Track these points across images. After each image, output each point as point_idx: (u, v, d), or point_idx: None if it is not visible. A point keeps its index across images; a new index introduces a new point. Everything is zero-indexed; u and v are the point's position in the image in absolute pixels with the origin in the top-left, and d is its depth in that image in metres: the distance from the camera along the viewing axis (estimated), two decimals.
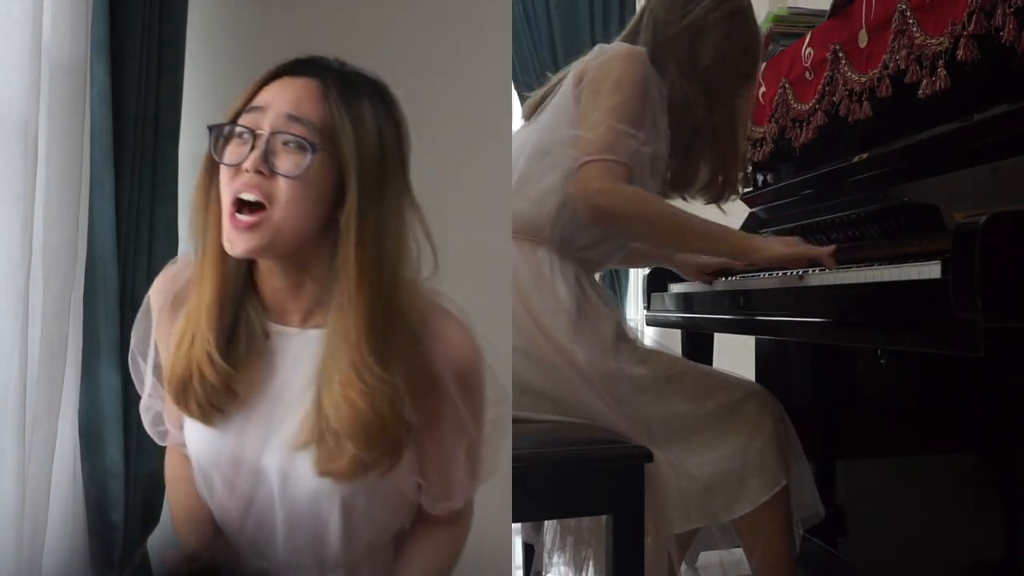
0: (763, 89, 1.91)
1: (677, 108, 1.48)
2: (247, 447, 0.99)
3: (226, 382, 0.97)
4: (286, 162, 0.93)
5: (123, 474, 1.59)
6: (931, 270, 1.02)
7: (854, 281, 1.18)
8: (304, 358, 0.98)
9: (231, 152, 0.95)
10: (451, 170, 1.44)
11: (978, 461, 1.42)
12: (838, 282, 1.23)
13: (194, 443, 1.03)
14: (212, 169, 0.97)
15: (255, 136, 0.94)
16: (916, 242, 1.24)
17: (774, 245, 1.40)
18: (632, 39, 1.53)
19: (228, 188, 0.94)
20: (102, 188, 1.61)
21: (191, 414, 0.99)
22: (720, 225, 1.45)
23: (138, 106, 1.68)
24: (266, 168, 0.92)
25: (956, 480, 1.45)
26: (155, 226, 1.73)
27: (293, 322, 1.00)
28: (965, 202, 1.22)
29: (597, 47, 1.50)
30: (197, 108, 1.85)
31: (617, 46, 1.49)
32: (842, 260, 1.37)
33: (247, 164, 0.93)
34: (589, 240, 1.48)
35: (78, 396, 1.59)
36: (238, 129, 0.95)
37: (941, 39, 1.27)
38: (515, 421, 1.20)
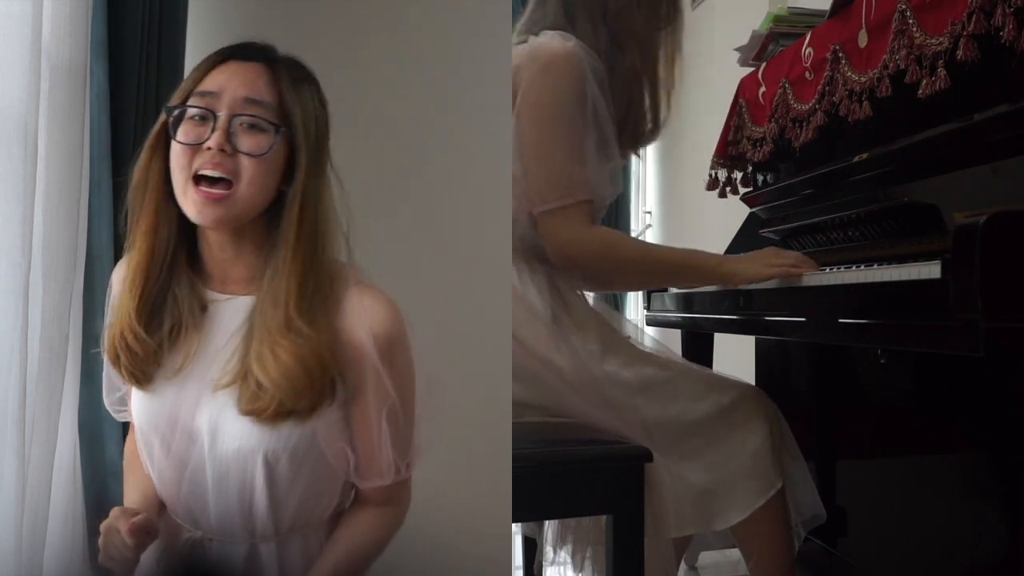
0: (763, 89, 1.91)
1: (613, 80, 1.43)
2: (182, 408, 1.05)
3: (147, 350, 1.03)
4: (248, 141, 1.01)
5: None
6: (931, 270, 1.02)
7: (854, 281, 1.18)
8: (234, 323, 1.05)
9: (187, 132, 1.01)
10: (451, 171, 1.45)
11: (978, 461, 1.42)
12: (838, 282, 1.22)
13: (136, 408, 1.09)
14: (156, 147, 1.03)
15: (216, 117, 1.00)
16: (916, 242, 1.24)
17: (754, 267, 1.38)
18: (542, 7, 1.46)
19: (186, 165, 1.00)
20: (102, 188, 1.61)
21: (124, 380, 1.08)
22: (696, 254, 1.43)
23: (138, 106, 1.68)
24: (229, 147, 1.00)
25: (956, 480, 1.45)
26: None
27: (230, 290, 1.07)
28: (965, 202, 1.22)
29: (529, 45, 1.40)
30: None
31: (549, 49, 1.37)
32: (842, 260, 1.37)
33: (211, 143, 0.99)
34: None
35: (78, 396, 1.59)
36: (195, 111, 1.01)
37: (941, 39, 1.27)
38: (513, 423, 1.20)
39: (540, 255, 1.43)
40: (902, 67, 1.36)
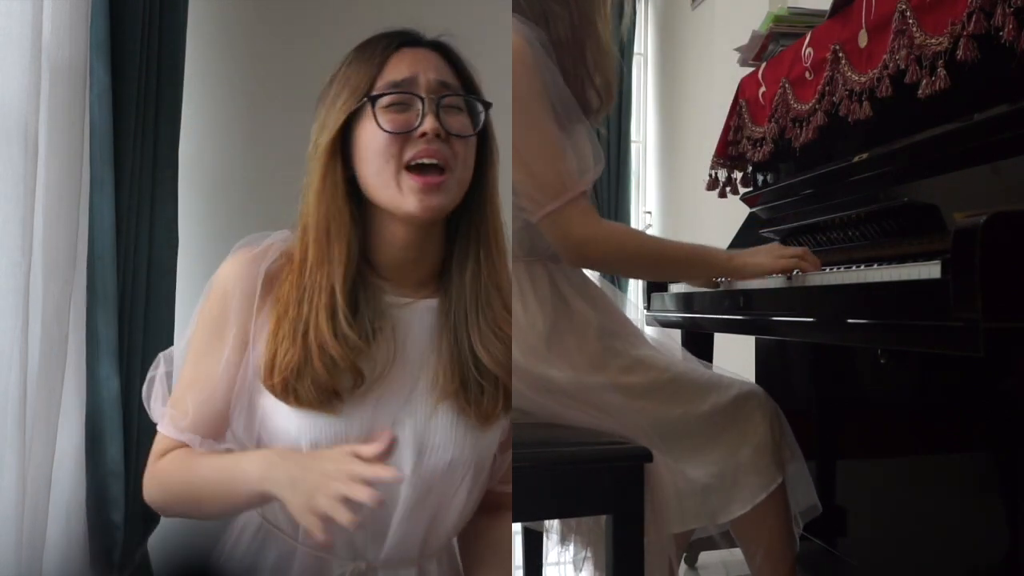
0: (763, 89, 1.91)
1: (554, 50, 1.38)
2: (378, 424, 0.96)
3: (353, 361, 0.94)
4: (456, 123, 0.97)
5: (123, 474, 1.59)
6: (931, 270, 1.02)
7: (854, 281, 1.18)
8: (423, 328, 1.00)
9: (393, 121, 0.95)
10: None
11: (978, 461, 1.42)
12: (838, 282, 1.23)
13: (306, 431, 0.96)
14: (335, 149, 0.97)
15: (422, 101, 0.95)
16: (916, 242, 1.24)
17: (763, 260, 1.38)
18: None
19: (396, 155, 0.94)
20: (102, 188, 1.61)
21: (302, 403, 0.94)
22: (705, 248, 1.43)
23: (138, 106, 1.68)
24: (443, 132, 0.95)
25: (956, 480, 1.45)
26: (155, 226, 1.73)
27: (408, 293, 1.01)
28: (965, 202, 1.22)
29: None
30: (197, 109, 1.86)
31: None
32: (842, 260, 1.37)
33: (426, 128, 0.94)
34: None
35: (79, 396, 1.59)
36: (398, 98, 0.96)
37: (941, 39, 1.27)
38: (513, 422, 1.20)
39: (540, 252, 1.42)
40: (902, 67, 1.36)
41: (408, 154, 0.94)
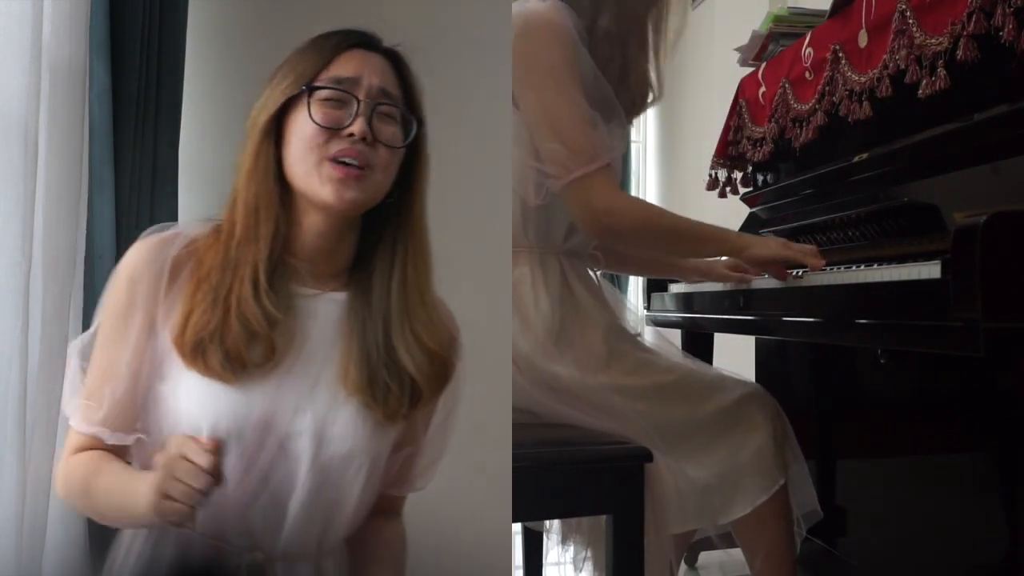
0: (763, 89, 1.91)
1: (591, 39, 1.41)
2: (279, 411, 0.97)
3: (268, 330, 0.95)
4: (387, 132, 0.99)
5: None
6: (931, 270, 1.02)
7: (854, 281, 1.18)
8: (328, 320, 1.01)
9: (325, 115, 0.97)
10: (450, 172, 1.44)
11: (978, 461, 1.42)
12: (838, 282, 1.23)
13: (209, 413, 0.95)
14: (269, 132, 0.99)
15: (357, 103, 0.97)
16: (916, 242, 1.24)
17: (769, 242, 1.39)
18: None
19: (321, 146, 0.96)
20: (102, 188, 1.61)
21: (209, 370, 0.94)
22: (716, 227, 1.43)
23: (138, 106, 1.68)
24: (371, 137, 0.97)
25: (956, 480, 1.45)
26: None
27: (316, 284, 1.02)
28: (965, 202, 1.22)
29: (513, 11, 1.37)
30: (197, 109, 1.85)
31: (536, 13, 1.35)
32: (842, 260, 1.37)
33: (355, 129, 0.96)
34: (568, 225, 1.43)
35: None
36: (333, 94, 0.98)
37: (941, 39, 1.27)
38: (513, 422, 1.20)
39: (554, 246, 1.43)
40: (902, 67, 1.36)
41: (332, 149, 0.96)
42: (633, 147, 4.41)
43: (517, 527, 1.70)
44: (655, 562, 1.26)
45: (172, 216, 1.77)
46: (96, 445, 1.01)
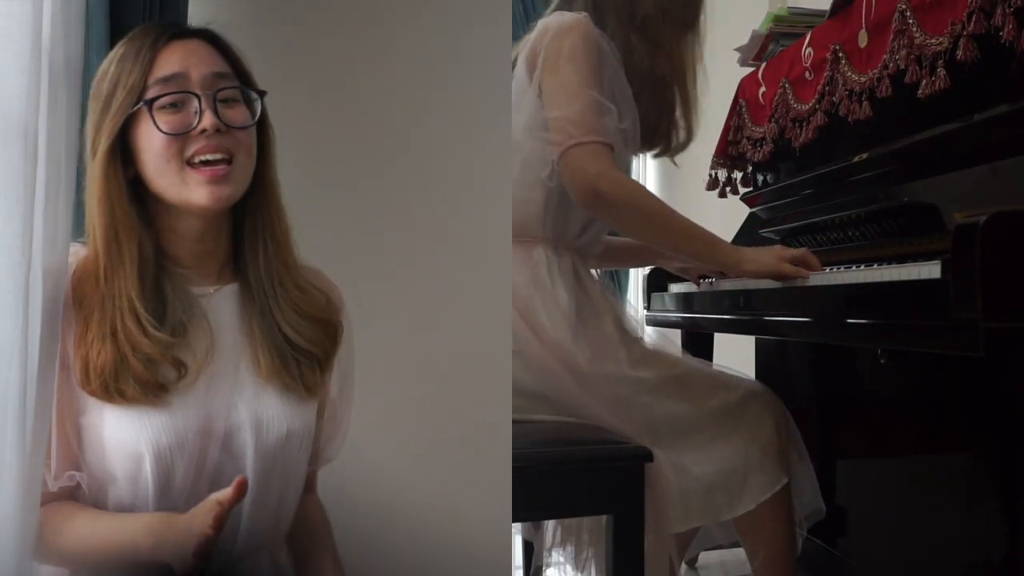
0: (763, 89, 1.91)
1: (623, 61, 1.46)
2: (214, 412, 0.97)
3: (171, 355, 0.94)
4: (234, 116, 0.98)
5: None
6: (931, 270, 1.02)
7: (854, 281, 1.18)
8: (231, 312, 1.02)
9: (169, 123, 0.95)
10: (450, 172, 1.44)
11: (978, 461, 1.42)
12: (838, 282, 1.23)
13: (146, 437, 0.93)
14: (114, 153, 0.97)
15: (197, 98, 0.96)
16: (916, 242, 1.24)
17: (765, 259, 1.35)
18: (567, 5, 1.49)
19: (176, 154, 0.95)
20: None
21: (128, 400, 0.93)
22: (710, 233, 1.42)
23: None
24: (223, 126, 0.96)
25: (956, 480, 1.45)
26: None
27: (209, 282, 1.02)
28: (965, 202, 1.22)
29: (540, 24, 1.44)
30: None
31: (559, 19, 1.42)
32: (842, 260, 1.37)
33: (205, 124, 0.95)
34: (581, 225, 1.47)
35: None
36: (169, 98, 0.96)
37: (941, 39, 1.27)
38: (514, 422, 1.20)
39: (567, 241, 1.46)
40: (902, 67, 1.36)
41: (189, 151, 0.95)
42: None
43: (517, 527, 1.70)
44: (656, 562, 1.27)
45: None
46: (43, 496, 0.98)
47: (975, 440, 1.42)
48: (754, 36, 2.05)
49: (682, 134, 1.54)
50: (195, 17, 1.81)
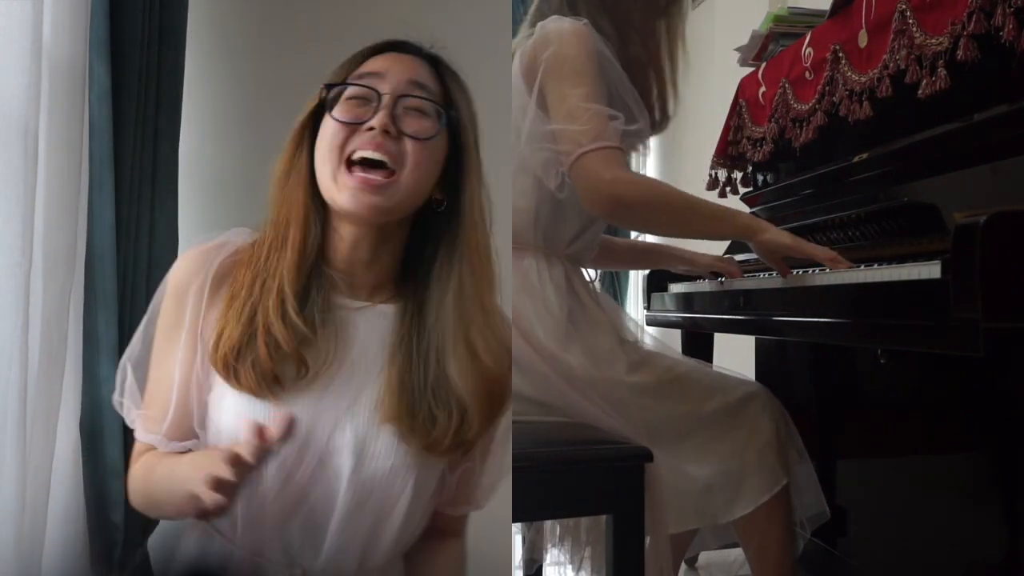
0: (763, 89, 1.91)
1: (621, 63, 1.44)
2: (317, 426, 0.93)
3: (297, 348, 0.92)
4: (413, 124, 0.94)
5: (123, 474, 1.59)
6: (931, 270, 1.02)
7: (854, 281, 1.18)
8: (376, 332, 0.97)
9: (346, 111, 0.94)
10: None
11: (978, 461, 1.42)
12: (838, 282, 1.22)
13: (243, 428, 0.90)
14: (303, 136, 0.97)
15: (380, 97, 0.94)
16: (916, 242, 1.24)
17: (784, 236, 1.36)
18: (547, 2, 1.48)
19: (340, 146, 0.93)
20: (102, 188, 1.61)
21: (242, 386, 0.92)
22: (729, 208, 1.42)
23: (138, 106, 1.68)
24: (394, 129, 0.93)
25: (956, 480, 1.45)
26: (155, 226, 1.73)
27: (360, 296, 0.99)
28: (965, 202, 1.22)
29: (538, 29, 1.42)
30: (197, 109, 1.85)
31: (558, 27, 1.39)
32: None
33: (375, 122, 0.92)
34: (573, 233, 1.46)
35: (78, 396, 1.59)
36: (356, 91, 0.95)
37: (941, 39, 1.27)
38: (514, 422, 1.20)
39: (558, 249, 1.45)
40: (902, 67, 1.36)
41: (352, 145, 0.93)
42: None
43: (517, 527, 1.70)
44: (655, 562, 1.26)
45: (172, 216, 1.77)
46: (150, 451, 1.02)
47: (975, 440, 1.42)
48: (754, 36, 2.05)
49: (658, 115, 1.51)
50: (195, 17, 1.81)
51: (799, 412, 1.52)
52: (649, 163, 4.48)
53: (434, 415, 0.94)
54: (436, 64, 1.01)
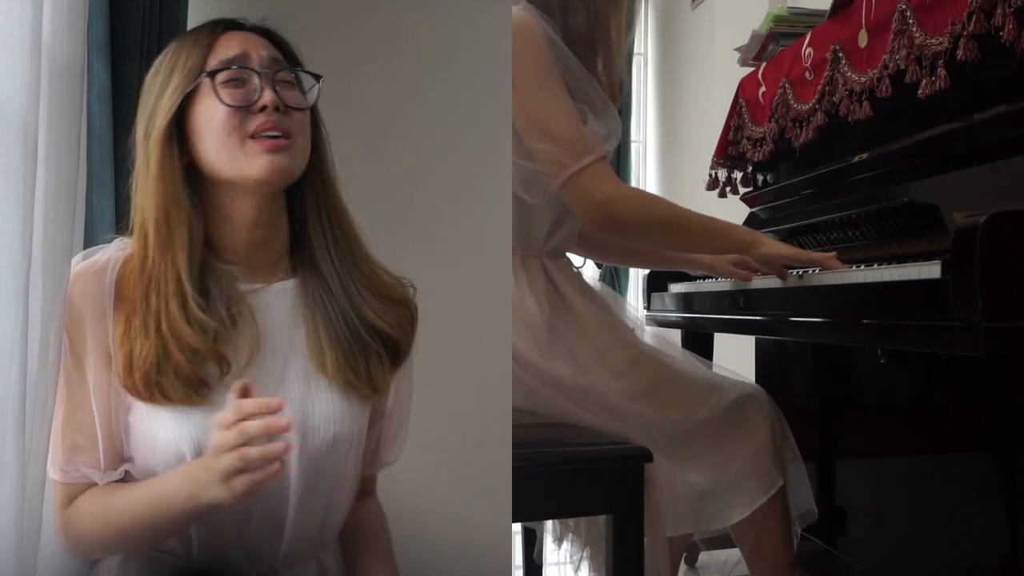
0: (763, 89, 1.91)
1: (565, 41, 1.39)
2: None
3: (213, 347, 0.91)
4: (293, 98, 0.98)
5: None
6: (931, 270, 1.02)
7: (854, 281, 1.18)
8: (282, 309, 0.99)
9: (233, 95, 0.95)
10: (450, 175, 1.45)
11: (978, 461, 1.42)
12: (838, 282, 1.23)
13: (187, 435, 0.91)
14: (171, 132, 0.96)
15: (258, 76, 0.96)
16: (916, 242, 1.24)
17: (779, 244, 1.37)
18: None
19: (237, 127, 0.94)
20: (102, 188, 1.61)
21: (171, 399, 0.90)
22: (722, 221, 1.41)
23: (138, 106, 1.68)
24: (283, 105, 0.96)
25: (956, 480, 1.45)
26: None
27: (260, 278, 0.99)
28: (965, 202, 1.22)
29: None
30: None
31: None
32: (842, 260, 1.37)
33: (266, 100, 0.94)
34: (547, 230, 1.42)
35: None
36: (233, 73, 0.96)
37: (941, 39, 1.27)
38: (513, 423, 1.20)
39: (535, 248, 1.42)
40: (902, 67, 1.36)
41: (251, 127, 0.94)
42: (633, 147, 4.41)
43: (517, 527, 1.70)
44: (652, 563, 1.26)
45: None
46: (88, 490, 0.97)
47: (975, 440, 1.42)
48: (754, 36, 2.05)
49: (607, 88, 1.45)
50: (195, 17, 1.81)
51: (799, 412, 1.52)
52: (649, 163, 4.49)
53: (369, 353, 0.99)
54: (271, 36, 1.03)
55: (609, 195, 1.31)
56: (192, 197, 0.96)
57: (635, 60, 4.42)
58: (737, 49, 2.13)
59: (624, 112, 4.25)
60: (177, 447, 0.92)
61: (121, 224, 1.66)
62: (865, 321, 1.16)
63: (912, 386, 1.61)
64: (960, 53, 1.22)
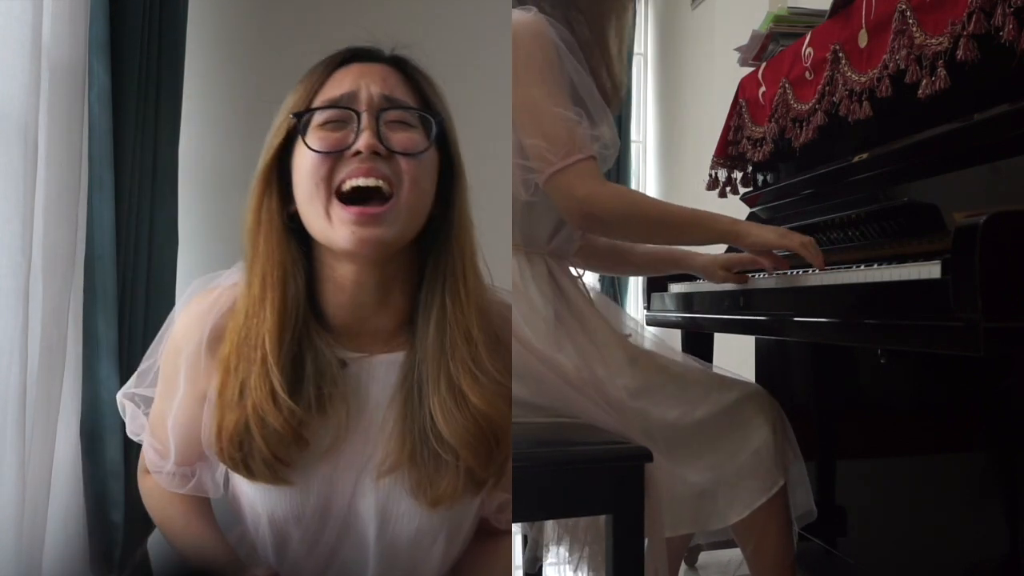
0: (763, 89, 1.91)
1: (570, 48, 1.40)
2: (336, 496, 0.88)
3: (296, 429, 0.84)
4: (402, 140, 0.84)
5: (123, 474, 1.59)
6: (931, 270, 1.02)
7: (854, 281, 1.18)
8: (384, 386, 0.88)
9: (324, 140, 0.84)
10: None
11: (978, 461, 1.42)
12: (838, 282, 1.22)
13: (262, 499, 0.88)
14: (269, 179, 0.86)
15: (358, 116, 0.83)
16: (916, 242, 1.24)
17: (768, 234, 1.36)
18: None
19: (326, 178, 0.83)
20: (102, 188, 1.61)
21: (254, 477, 0.85)
22: (706, 212, 1.40)
23: (138, 106, 1.68)
24: (383, 148, 0.83)
25: (956, 480, 1.45)
26: (155, 226, 1.73)
27: (371, 348, 0.89)
28: (965, 202, 1.22)
29: None
30: (197, 109, 1.85)
31: (514, 22, 1.34)
32: (842, 260, 1.37)
33: (360, 145, 0.82)
34: (551, 229, 1.43)
35: (78, 396, 1.59)
36: (328, 114, 0.84)
37: (941, 39, 1.27)
38: (514, 422, 1.20)
39: (539, 247, 1.43)
40: (902, 67, 1.36)
41: (340, 175, 0.83)
42: (633, 147, 4.41)
43: (517, 527, 1.70)
44: (651, 563, 1.26)
45: (172, 216, 1.77)
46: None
47: (975, 440, 1.42)
48: (754, 36, 2.05)
49: (610, 94, 1.48)
50: (195, 17, 1.81)
51: (799, 412, 1.52)
52: (649, 163, 4.49)
53: (439, 462, 0.86)
54: (403, 67, 0.92)
55: (589, 192, 1.31)
56: (294, 252, 0.86)
57: (635, 60, 4.42)
58: (737, 49, 2.13)
59: (624, 112, 4.25)
60: (256, 509, 0.90)
61: (121, 224, 1.67)
62: (865, 321, 1.16)
63: (912, 386, 1.61)
64: (960, 53, 1.22)
